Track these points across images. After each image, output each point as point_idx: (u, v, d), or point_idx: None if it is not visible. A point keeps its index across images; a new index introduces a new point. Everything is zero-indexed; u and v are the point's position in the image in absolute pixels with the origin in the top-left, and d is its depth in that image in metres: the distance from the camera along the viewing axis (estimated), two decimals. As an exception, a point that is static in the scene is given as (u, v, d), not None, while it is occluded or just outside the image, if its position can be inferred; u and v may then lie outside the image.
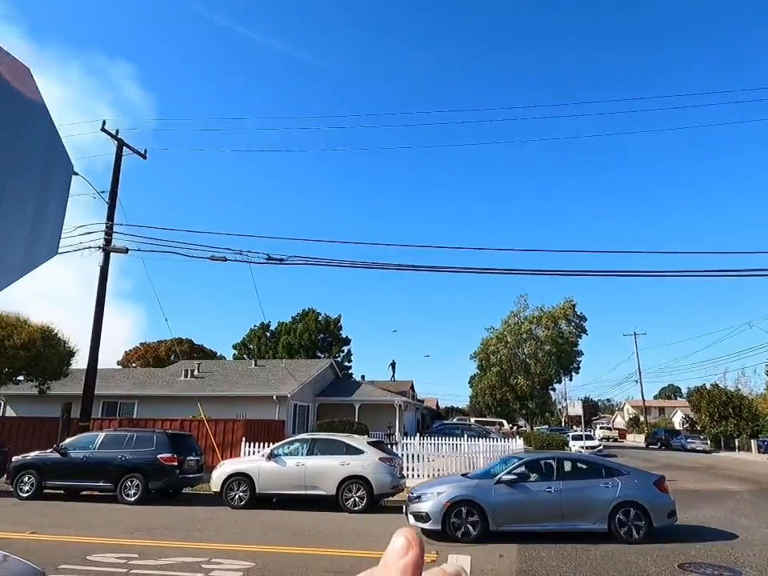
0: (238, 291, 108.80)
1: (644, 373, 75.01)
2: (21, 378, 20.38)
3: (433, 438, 20.55)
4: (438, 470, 18.55)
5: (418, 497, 9.88)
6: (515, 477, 9.84)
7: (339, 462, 12.98)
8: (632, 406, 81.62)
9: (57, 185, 1.85)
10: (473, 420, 43.11)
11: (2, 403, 27.64)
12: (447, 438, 20.42)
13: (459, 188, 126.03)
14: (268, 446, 15.70)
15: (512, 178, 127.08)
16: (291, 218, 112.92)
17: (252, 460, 14.15)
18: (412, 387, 44.10)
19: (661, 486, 9.72)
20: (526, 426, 55.12)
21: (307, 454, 13.50)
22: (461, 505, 9.47)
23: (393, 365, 54.10)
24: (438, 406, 64.32)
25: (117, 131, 21.23)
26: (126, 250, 20.19)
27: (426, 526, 9.47)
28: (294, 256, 18.50)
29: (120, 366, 51.07)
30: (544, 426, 58.60)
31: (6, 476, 15.25)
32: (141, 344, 59.76)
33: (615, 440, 60.59)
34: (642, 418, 66.48)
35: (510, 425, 52.34)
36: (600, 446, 36.21)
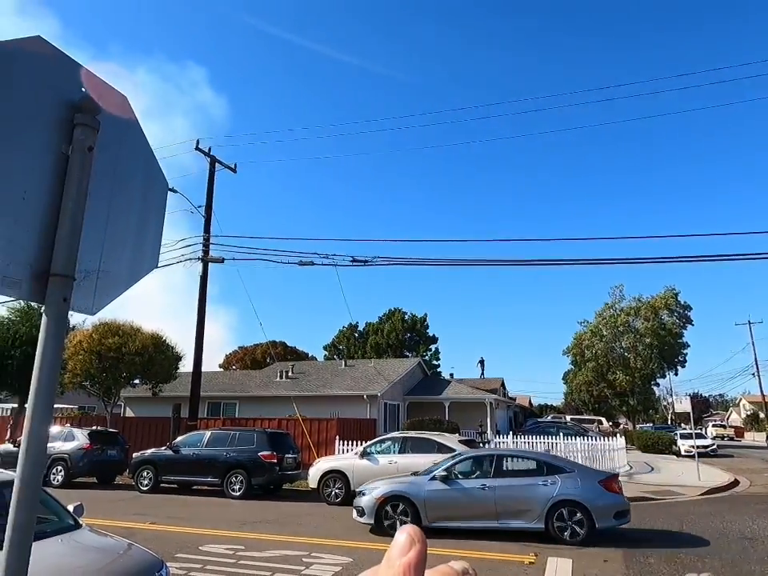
0: (326, 294, 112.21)
1: (762, 365, 68.36)
2: (137, 381, 22.29)
3: (527, 437, 20.00)
4: (534, 469, 18.03)
5: (362, 492, 10.12)
6: (450, 474, 9.80)
7: (431, 461, 12.96)
8: (749, 402, 74.64)
9: (154, 201, 1.99)
10: (568, 418, 41.45)
11: (123, 405, 30.36)
12: (542, 437, 19.79)
13: (525, 185, 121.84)
14: (361, 444, 16.04)
15: (604, 173, 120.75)
16: (374, 220, 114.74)
17: (346, 458, 14.51)
18: (503, 385, 43.17)
19: (608, 485, 9.16)
20: (627, 424, 52.11)
21: (399, 452, 13.63)
22: (393, 500, 9.66)
23: (481, 362, 53.33)
24: (530, 403, 62.51)
25: (209, 149, 22.61)
26: (222, 260, 21.45)
27: (362, 520, 9.76)
28: (377, 257, 18.78)
29: (221, 369, 54.35)
30: (647, 424, 55.09)
31: (128, 471, 16.74)
32: (239, 347, 63.25)
33: (731, 438, 55.72)
34: (761, 415, 60.56)
35: (610, 423, 49.71)
36: (713, 444, 33.45)
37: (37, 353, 1.48)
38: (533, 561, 7.86)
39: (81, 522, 5.27)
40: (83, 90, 1.67)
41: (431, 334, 58.66)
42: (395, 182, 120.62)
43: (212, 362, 64.25)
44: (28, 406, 1.46)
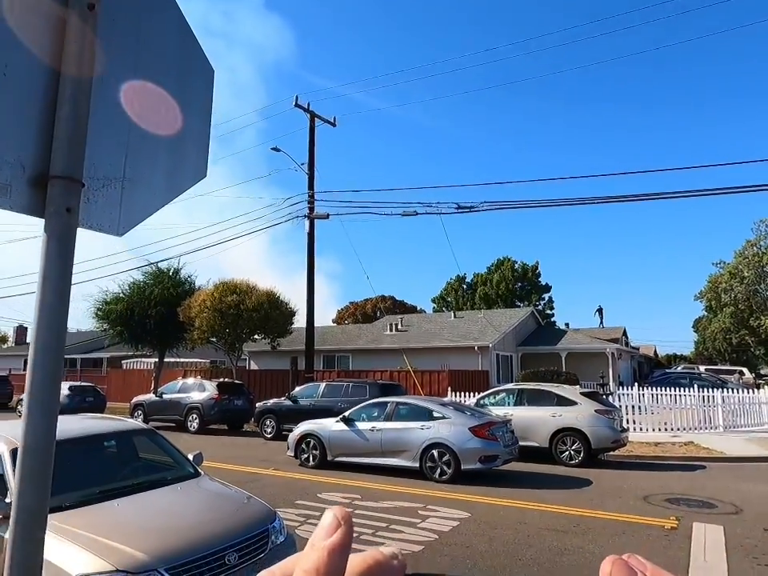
0: (432, 246, 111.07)
1: None
2: (257, 336, 23.57)
3: (654, 389, 18.37)
4: (664, 423, 16.56)
5: (291, 430, 12.39)
6: (352, 417, 11.22)
7: (550, 414, 12.25)
8: None
9: (195, 92, 1.51)
10: (703, 368, 37.89)
11: (247, 358, 32.59)
12: (672, 389, 18.05)
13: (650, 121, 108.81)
14: (473, 396, 15.63)
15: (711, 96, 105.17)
16: (480, 165, 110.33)
17: (459, 409, 14.18)
18: (624, 334, 40.35)
19: (477, 431, 9.80)
20: (773, 375, 46.69)
21: (514, 405, 13.03)
22: (307, 437, 11.53)
23: (599, 311, 50.18)
24: (656, 353, 58.16)
25: (308, 104, 22.52)
26: (327, 216, 21.62)
27: (288, 453, 11.79)
28: (484, 202, 17.77)
29: (334, 324, 56.49)
30: (798, 375, 48.96)
31: (253, 419, 17.86)
32: (350, 303, 65.20)
33: None
34: None
35: (753, 373, 44.82)
36: None
37: (37, 281, 1.11)
38: (674, 525, 7.02)
39: (200, 471, 5.38)
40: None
41: (544, 283, 56.14)
42: (501, 120, 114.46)
43: (325, 318, 66.92)
44: (31, 347, 1.10)
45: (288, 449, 11.84)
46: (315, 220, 21.81)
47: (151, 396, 19.46)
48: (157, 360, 26.74)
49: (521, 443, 12.39)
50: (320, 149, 22.54)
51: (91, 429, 5.34)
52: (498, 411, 12.90)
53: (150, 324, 23.86)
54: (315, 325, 21.82)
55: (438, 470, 9.80)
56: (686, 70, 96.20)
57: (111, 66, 1.29)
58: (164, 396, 18.94)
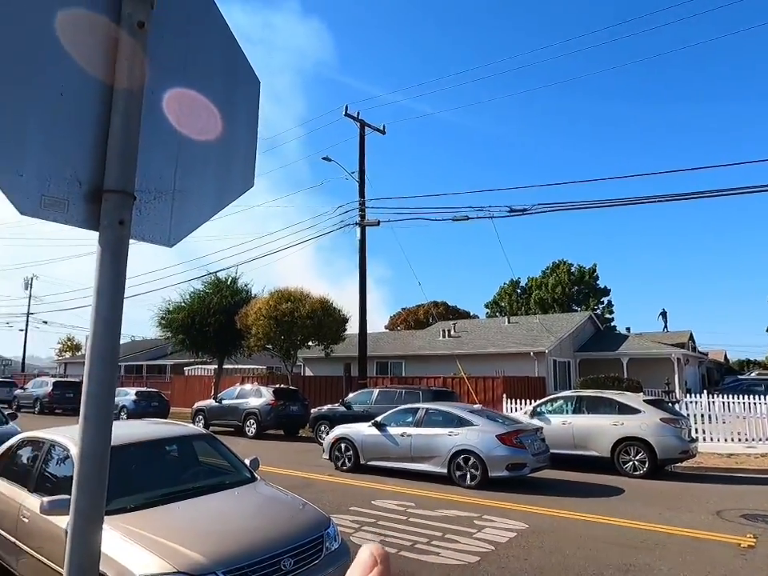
0: (484, 250, 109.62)
1: None
2: (311, 343, 23.95)
3: (725, 396, 17.29)
4: (737, 433, 15.54)
5: (327, 434, 12.98)
6: (384, 422, 11.41)
7: (611, 422, 11.75)
8: None
9: (243, 102, 1.53)
10: (779, 375, 35.37)
11: (302, 365, 33.17)
12: (746, 397, 16.92)
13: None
14: (529, 404, 15.23)
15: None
16: (531, 168, 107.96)
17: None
18: (691, 338, 38.32)
19: (504, 439, 9.82)
20: None
21: (573, 413, 12.60)
22: (341, 441, 11.84)
23: (663, 314, 47.92)
24: (726, 359, 54.94)
25: (358, 113, 22.79)
26: (378, 222, 21.74)
27: (324, 455, 12.15)
28: (538, 204, 17.38)
29: (387, 330, 56.65)
30: None
31: (308, 425, 18.11)
32: (402, 309, 65.24)
33: None
34: None
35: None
36: None
37: (93, 292, 1.15)
38: (752, 544, 6.55)
39: (256, 476, 5.47)
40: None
41: (602, 286, 54.23)
42: (550, 122, 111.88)
43: (376, 324, 67.21)
44: (86, 355, 1.14)
45: (324, 452, 12.19)
46: (366, 227, 22.00)
47: (211, 402, 20.10)
48: (216, 367, 27.63)
49: (579, 452, 11.99)
50: (368, 155, 22.69)
51: (155, 433, 5.56)
52: (555, 419, 12.51)
53: (210, 332, 24.68)
54: (368, 331, 21.95)
55: (467, 477, 9.89)
56: (735, 60, 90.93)
57: (160, 81, 1.33)
58: (223, 402, 19.51)
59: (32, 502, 4.69)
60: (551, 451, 12.39)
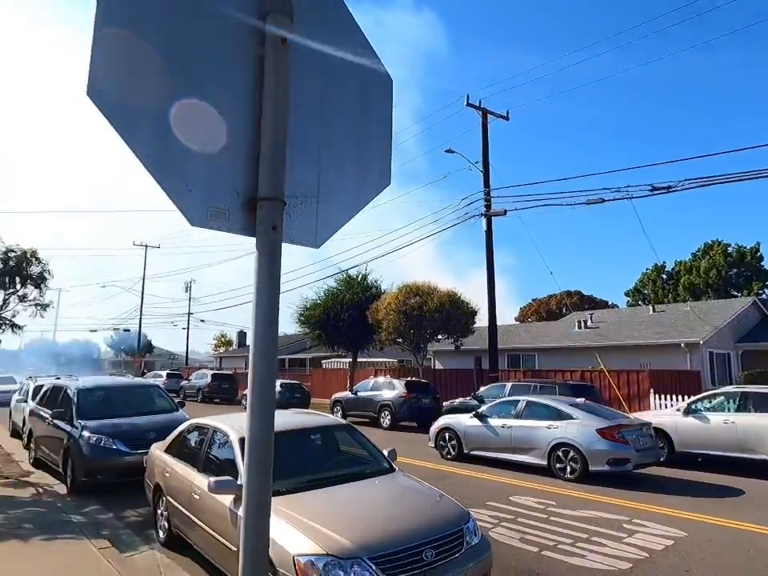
0: (622, 234, 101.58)
1: None
2: (440, 336, 24.06)
3: None
4: None
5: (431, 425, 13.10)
6: (485, 413, 11.66)
7: (787, 423, 10.28)
8: None
9: (376, 102, 1.57)
10: None
11: (431, 358, 33.48)
12: None
13: None
14: (681, 400, 13.85)
15: None
16: (674, 145, 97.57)
17: (663, 414, 12.72)
18: None
19: (605, 433, 9.69)
20: None
21: (737, 411, 11.22)
22: (445, 431, 12.26)
23: None
24: None
25: (479, 102, 22.36)
26: (505, 212, 21.16)
27: (430, 444, 12.59)
28: (685, 180, 15.69)
29: (517, 322, 55.04)
30: None
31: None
32: (533, 300, 62.95)
33: None
34: None
35: None
36: None
37: (253, 293, 1.24)
38: None
39: (395, 466, 5.62)
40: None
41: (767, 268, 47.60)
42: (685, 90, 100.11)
43: (505, 316, 65.58)
44: (250, 351, 1.24)
45: (430, 440, 12.64)
46: (492, 217, 21.52)
47: (348, 393, 21.06)
48: (351, 360, 28.91)
49: (746, 455, 10.65)
50: (492, 144, 22.13)
51: (302, 422, 5.95)
52: (715, 417, 11.25)
53: (344, 327, 25.88)
54: (497, 324, 21.50)
55: (567, 469, 9.93)
56: None
57: (302, 90, 1.40)
58: (358, 394, 20.34)
59: (201, 480, 5.27)
60: (709, 452, 11.21)
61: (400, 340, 23.94)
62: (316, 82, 1.43)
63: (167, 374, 35.74)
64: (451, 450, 11.98)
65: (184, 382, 32.87)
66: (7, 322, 10.28)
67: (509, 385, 16.27)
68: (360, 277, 27.83)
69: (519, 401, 11.52)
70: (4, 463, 10.40)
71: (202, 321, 53.21)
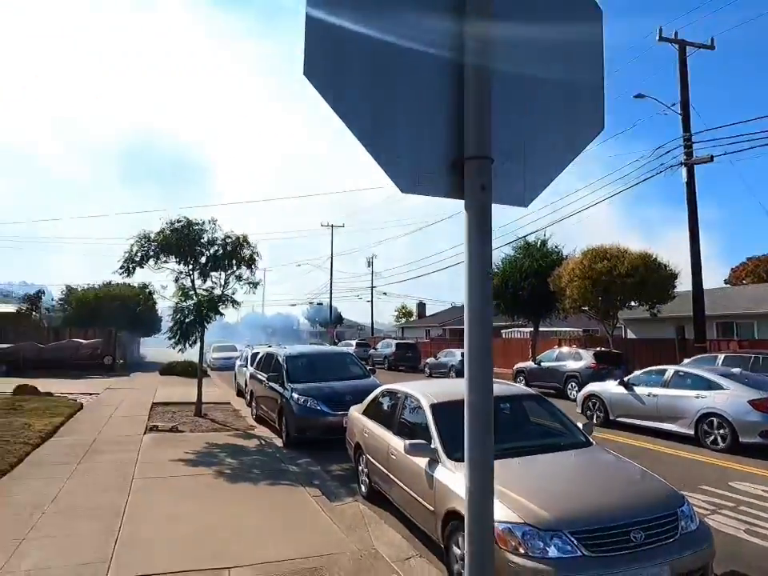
0: None
1: None
2: (633, 303, 21.99)
3: None
4: None
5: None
6: (632, 381, 11.67)
7: None
8: None
9: (582, 37, 1.41)
10: None
11: (622, 326, 30.86)
12: None
13: None
14: None
15: None
16: None
17: None
18: None
19: (758, 405, 9.41)
20: None
21: None
22: (591, 398, 12.56)
23: None
24: None
25: (675, 33, 19.50)
26: (711, 158, 18.34)
27: (577, 409, 12.64)
28: None
29: (728, 285, 47.81)
30: None
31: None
32: (748, 259, 54.00)
33: None
34: None
35: None
36: None
37: (465, 256, 1.21)
38: None
39: (591, 440, 5.31)
40: None
41: None
42: None
43: (710, 278, 57.23)
44: (464, 319, 1.21)
45: (577, 406, 12.96)
46: (694, 167, 18.79)
47: (530, 363, 20.52)
48: (532, 329, 28.03)
49: None
50: (696, 83, 19.18)
51: (494, 391, 5.93)
52: None
53: (523, 295, 25.12)
54: (704, 287, 18.92)
55: (716, 440, 9.73)
56: None
57: (505, 38, 1.30)
58: (542, 364, 19.68)
59: (396, 442, 5.59)
60: None
61: (585, 308, 22.44)
62: (519, 24, 1.32)
63: (356, 343, 38.68)
64: (596, 417, 12.08)
65: (371, 351, 35.21)
66: (229, 299, 11.95)
67: (721, 356, 14.32)
68: (539, 243, 26.65)
69: (667, 370, 11.41)
70: (234, 418, 12.30)
71: (384, 294, 56.26)
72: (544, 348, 23.44)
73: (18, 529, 5.11)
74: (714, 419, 9.76)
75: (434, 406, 5.35)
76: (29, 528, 5.16)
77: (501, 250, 28.14)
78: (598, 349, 19.45)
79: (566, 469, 4.74)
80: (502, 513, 3.87)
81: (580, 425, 5.49)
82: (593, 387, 12.81)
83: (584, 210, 23.67)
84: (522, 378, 20.21)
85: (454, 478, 4.38)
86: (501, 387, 6.36)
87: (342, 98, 1.19)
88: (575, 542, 3.62)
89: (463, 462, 4.12)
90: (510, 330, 36.68)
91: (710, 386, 10.17)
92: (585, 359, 17.91)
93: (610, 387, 12.11)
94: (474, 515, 1.17)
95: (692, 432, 10.06)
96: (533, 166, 1.33)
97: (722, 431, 9.64)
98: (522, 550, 3.62)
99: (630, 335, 29.65)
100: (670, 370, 11.35)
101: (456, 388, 6.74)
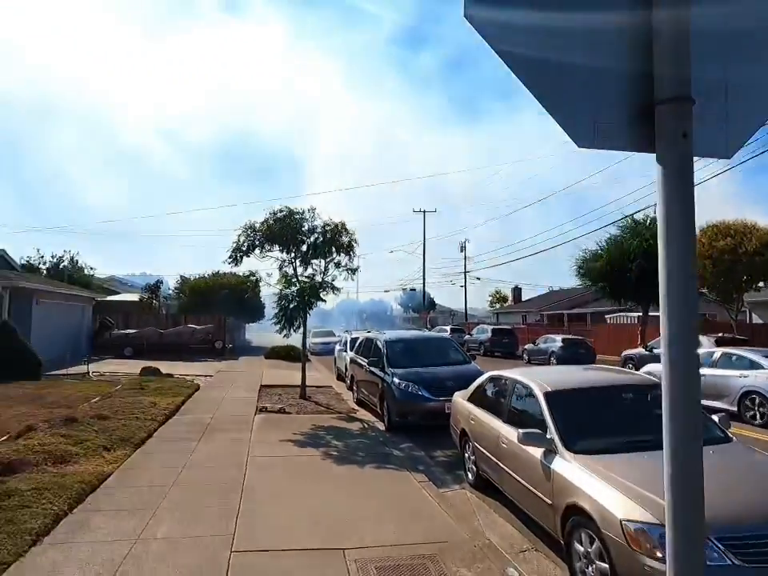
0: None
1: None
2: (761, 284, 19.82)
3: None
4: None
5: None
6: None
7: None
8: None
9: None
10: None
11: (747, 310, 27.98)
12: None
13: None
14: None
15: None
16: None
17: None
18: None
19: None
20: None
21: None
22: None
23: None
24: None
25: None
26: None
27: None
28: None
29: None
30: None
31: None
32: None
33: None
34: None
35: None
36: None
37: (659, 223, 1.01)
38: None
39: (731, 436, 4.77)
40: None
41: None
42: None
43: None
44: (660, 293, 1.01)
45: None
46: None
47: (641, 350, 19.20)
48: (641, 314, 26.18)
49: None
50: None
51: (612, 380, 5.53)
52: None
53: (631, 278, 23.47)
54: None
55: (756, 416, 10.28)
56: None
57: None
58: (654, 351, 18.33)
59: (507, 430, 5.37)
60: None
61: (704, 290, 20.57)
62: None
63: (450, 328, 38.29)
64: None
65: (467, 336, 34.72)
66: (329, 285, 12.21)
67: None
68: (648, 221, 24.70)
69: (715, 351, 12.01)
70: (337, 401, 12.62)
71: (478, 279, 55.22)
72: (654, 334, 21.78)
73: (153, 499, 5.53)
74: (754, 396, 10.43)
75: (548, 395, 5.06)
76: (162, 498, 5.57)
77: (605, 231, 26.46)
78: (720, 335, 17.75)
79: (707, 466, 4.27)
80: (633, 511, 3.56)
81: (715, 418, 4.96)
82: (649, 368, 12.51)
83: (699, 184, 21.55)
84: (631, 365, 18.97)
85: (573, 470, 4.12)
86: (619, 376, 5.93)
87: (511, 49, 1.01)
88: (722, 548, 3.24)
89: (582, 454, 3.80)
90: (616, 315, 34.58)
91: (753, 365, 10.84)
92: (705, 346, 16.42)
93: (660, 368, 11.73)
94: (673, 524, 0.98)
95: (735, 409, 10.58)
96: (738, 109, 1.09)
97: (761, 409, 10.27)
98: (659, 554, 3.28)
99: (756, 320, 26.82)
100: (718, 351, 12.01)
101: (568, 375, 6.36)
